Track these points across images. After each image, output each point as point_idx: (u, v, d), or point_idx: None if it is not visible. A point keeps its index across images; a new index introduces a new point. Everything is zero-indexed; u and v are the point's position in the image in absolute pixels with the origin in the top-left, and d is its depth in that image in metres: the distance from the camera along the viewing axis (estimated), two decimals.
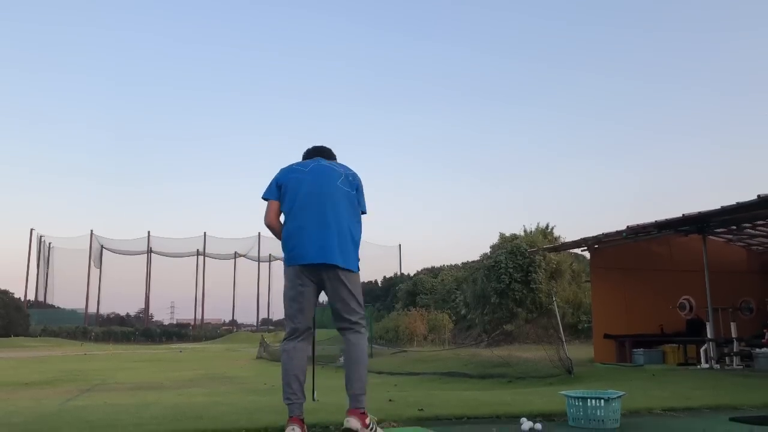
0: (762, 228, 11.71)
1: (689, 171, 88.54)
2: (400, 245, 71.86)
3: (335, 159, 3.59)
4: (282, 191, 3.31)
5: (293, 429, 3.00)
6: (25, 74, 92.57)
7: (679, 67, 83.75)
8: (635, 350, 11.28)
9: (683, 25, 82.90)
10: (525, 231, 30.44)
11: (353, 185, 3.32)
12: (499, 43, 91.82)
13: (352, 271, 3.19)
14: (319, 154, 3.53)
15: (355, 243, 3.25)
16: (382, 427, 3.33)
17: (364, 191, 3.43)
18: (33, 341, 44.78)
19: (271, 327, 67.04)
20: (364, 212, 3.37)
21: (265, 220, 3.33)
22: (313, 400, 4.61)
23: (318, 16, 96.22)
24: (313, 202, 3.22)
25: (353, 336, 3.17)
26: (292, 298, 3.20)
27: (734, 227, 11.74)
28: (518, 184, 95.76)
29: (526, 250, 27.19)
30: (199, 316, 72.24)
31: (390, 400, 5.08)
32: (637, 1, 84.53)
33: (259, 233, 68.64)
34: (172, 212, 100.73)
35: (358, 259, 3.26)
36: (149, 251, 68.48)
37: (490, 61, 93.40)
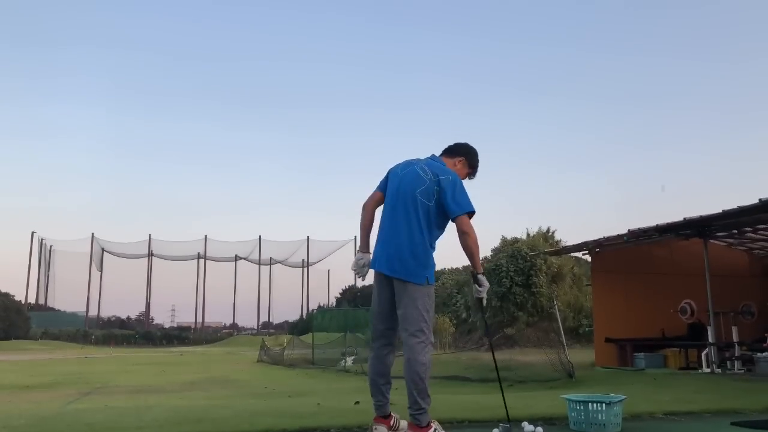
0: (763, 232, 11.69)
1: (691, 175, 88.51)
2: None
3: (459, 156, 3.51)
4: (387, 185, 3.37)
5: (375, 429, 3.25)
6: (25, 76, 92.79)
7: (680, 70, 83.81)
8: (636, 354, 11.27)
9: (685, 27, 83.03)
10: (527, 234, 30.43)
11: (432, 195, 3.19)
12: (501, 43, 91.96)
13: (413, 283, 3.13)
14: (445, 151, 3.54)
15: (419, 255, 3.15)
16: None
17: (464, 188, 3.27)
18: (34, 344, 44.78)
19: (271, 330, 66.99)
20: (459, 214, 3.16)
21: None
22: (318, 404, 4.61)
23: (317, 16, 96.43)
24: (390, 207, 3.27)
25: (406, 348, 3.15)
26: (372, 299, 3.33)
27: (735, 231, 11.73)
28: (520, 187, 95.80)
29: (527, 253, 27.16)
30: (199, 320, 72.23)
31: (391, 404, 5.06)
32: (639, 5, 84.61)
33: (260, 236, 68.78)
34: (173, 215, 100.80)
35: (427, 271, 3.18)
36: (150, 254, 68.49)
37: (491, 62, 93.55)
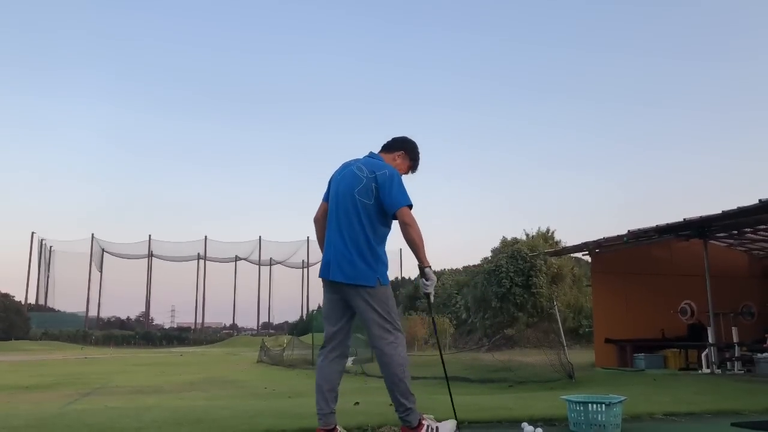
0: (763, 233, 11.69)
1: (691, 175, 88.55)
2: (401, 249, 71.66)
3: (397, 150, 3.42)
4: (330, 191, 3.33)
5: None
6: (26, 77, 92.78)
7: (681, 71, 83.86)
8: (636, 355, 11.26)
9: (685, 28, 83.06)
10: (526, 235, 30.44)
11: (370, 193, 3.11)
12: (503, 43, 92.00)
13: (364, 287, 3.05)
14: (383, 147, 3.47)
15: (366, 256, 3.07)
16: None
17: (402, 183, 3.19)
18: (34, 344, 44.81)
19: (271, 331, 67.05)
20: (397, 208, 3.07)
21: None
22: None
23: (315, 16, 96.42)
24: (332, 213, 3.22)
25: (377, 354, 3.09)
26: (323, 305, 3.27)
27: (735, 232, 11.73)
28: (519, 187, 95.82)
29: (527, 254, 27.18)
30: (199, 320, 72.31)
31: (390, 405, 5.06)
32: (640, 7, 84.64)
33: (260, 237, 68.81)
34: (173, 216, 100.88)
35: (378, 272, 3.08)
36: (150, 255, 68.52)
37: (492, 62, 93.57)
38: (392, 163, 3.34)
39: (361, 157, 3.36)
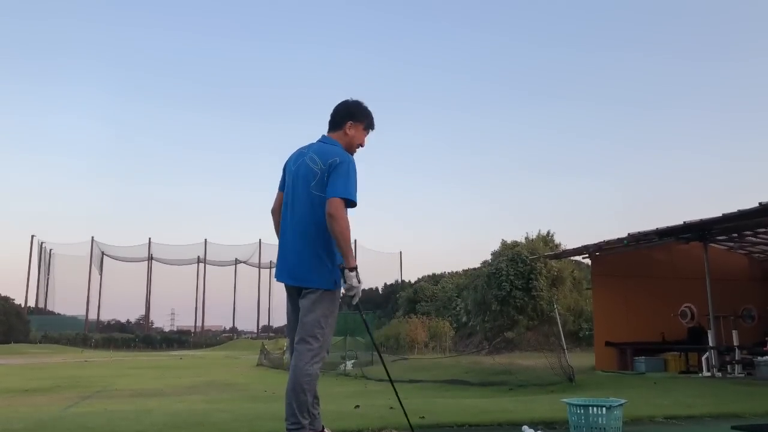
0: (763, 236, 11.69)
1: (691, 178, 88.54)
2: (401, 252, 71.67)
3: (345, 121, 3.12)
4: (285, 181, 3.13)
5: None
6: (25, 78, 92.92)
7: (681, 72, 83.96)
8: (636, 358, 11.26)
9: (686, 29, 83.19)
10: (526, 238, 30.44)
11: (326, 186, 2.87)
12: (502, 46, 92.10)
13: (313, 288, 2.86)
14: (330, 126, 3.17)
15: (322, 258, 2.88)
16: None
17: (355, 174, 2.93)
18: (33, 348, 44.72)
19: (271, 334, 66.87)
20: (331, 196, 2.81)
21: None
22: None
23: (315, 16, 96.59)
24: (287, 208, 3.02)
25: (294, 354, 2.87)
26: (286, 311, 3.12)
27: (735, 235, 11.73)
28: (519, 190, 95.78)
29: (527, 257, 27.18)
30: (199, 323, 72.12)
31: (391, 408, 5.06)
32: (640, 8, 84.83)
33: (260, 240, 68.76)
34: (173, 219, 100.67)
35: (331, 275, 2.88)
36: (150, 258, 68.46)
37: (492, 65, 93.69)
38: (346, 139, 3.09)
39: (315, 141, 3.13)
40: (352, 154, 3.10)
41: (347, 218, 2.82)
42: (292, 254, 2.93)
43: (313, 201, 2.88)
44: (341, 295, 2.94)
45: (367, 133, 3.20)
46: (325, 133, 3.16)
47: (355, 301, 2.87)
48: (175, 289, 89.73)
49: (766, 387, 7.67)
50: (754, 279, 13.47)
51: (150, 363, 27.34)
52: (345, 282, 2.84)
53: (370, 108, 3.21)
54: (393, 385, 3.23)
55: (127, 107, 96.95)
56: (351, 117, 3.12)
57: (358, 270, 2.86)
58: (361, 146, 3.19)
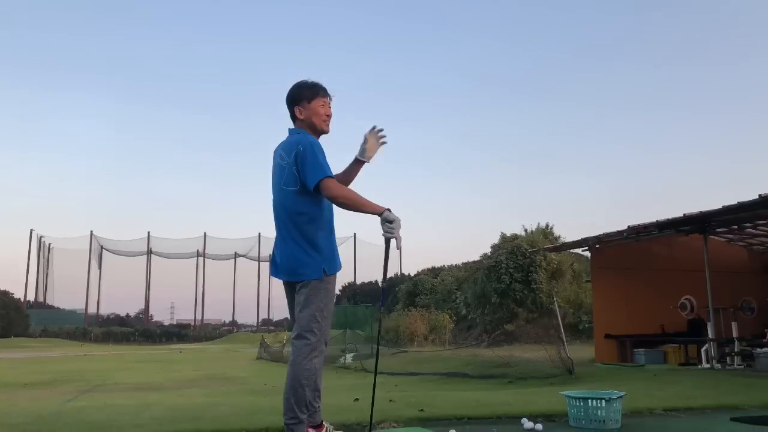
0: (763, 228, 11.69)
1: (690, 170, 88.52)
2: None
3: (293, 107, 3.06)
4: None
5: None
6: (22, 74, 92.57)
7: (679, 68, 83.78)
8: (636, 350, 11.28)
9: (683, 25, 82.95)
10: (525, 231, 30.46)
11: (296, 179, 2.86)
12: (501, 43, 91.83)
13: (307, 280, 2.86)
14: (291, 118, 3.12)
15: (307, 248, 2.87)
16: (382, 428, 3.31)
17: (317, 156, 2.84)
18: (33, 342, 44.80)
19: (271, 327, 66.99)
20: (315, 183, 2.76)
21: None
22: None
23: (314, 15, 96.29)
24: (273, 208, 3.07)
25: (292, 350, 2.89)
26: None
27: (735, 227, 11.73)
28: (519, 183, 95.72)
29: (526, 250, 27.20)
30: (199, 317, 72.17)
31: (391, 401, 5.07)
32: (639, 7, 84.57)
33: (259, 233, 68.73)
34: (172, 213, 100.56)
35: (321, 262, 2.87)
36: (149, 252, 68.45)
37: (491, 61, 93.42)
38: (304, 123, 3.04)
39: (285, 137, 3.11)
40: (326, 131, 3.07)
41: (341, 187, 2.82)
42: (278, 250, 2.98)
43: (287, 196, 2.91)
44: (389, 235, 2.72)
45: (323, 102, 3.06)
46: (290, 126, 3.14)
47: (399, 242, 2.71)
48: (175, 283, 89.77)
49: (765, 379, 7.68)
50: (753, 271, 13.48)
51: (149, 357, 27.38)
52: (390, 222, 2.68)
53: (312, 80, 3.10)
54: (375, 376, 3.10)
55: (127, 104, 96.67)
56: (294, 102, 3.06)
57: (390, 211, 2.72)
58: (328, 117, 3.08)
